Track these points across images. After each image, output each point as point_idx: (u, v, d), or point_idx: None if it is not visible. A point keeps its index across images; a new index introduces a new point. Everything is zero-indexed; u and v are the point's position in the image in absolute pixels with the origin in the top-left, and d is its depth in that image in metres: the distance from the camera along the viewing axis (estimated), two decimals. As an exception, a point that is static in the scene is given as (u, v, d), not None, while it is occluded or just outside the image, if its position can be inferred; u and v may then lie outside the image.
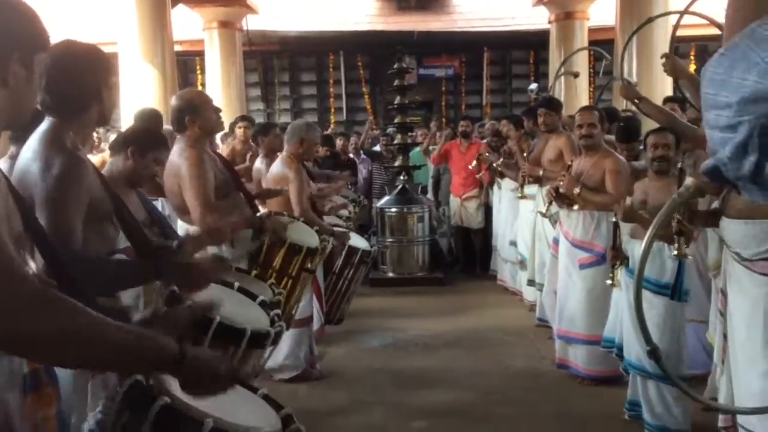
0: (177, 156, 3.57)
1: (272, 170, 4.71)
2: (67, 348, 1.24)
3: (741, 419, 2.65)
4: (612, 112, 6.14)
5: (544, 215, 4.81)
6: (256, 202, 4.16)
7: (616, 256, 3.91)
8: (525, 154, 6.13)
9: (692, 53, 14.51)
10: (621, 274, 3.89)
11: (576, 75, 8.95)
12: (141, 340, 1.34)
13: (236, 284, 2.69)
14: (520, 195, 6.23)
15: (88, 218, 2.08)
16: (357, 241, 4.86)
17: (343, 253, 4.59)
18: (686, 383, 3.66)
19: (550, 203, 4.24)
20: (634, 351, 3.75)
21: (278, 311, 2.55)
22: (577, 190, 4.49)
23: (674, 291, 3.63)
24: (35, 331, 1.19)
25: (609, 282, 4.03)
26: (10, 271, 1.18)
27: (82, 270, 1.73)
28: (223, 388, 1.45)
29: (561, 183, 4.18)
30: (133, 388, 1.43)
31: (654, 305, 3.67)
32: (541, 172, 5.74)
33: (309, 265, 3.87)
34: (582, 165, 4.63)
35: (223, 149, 6.92)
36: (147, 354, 1.35)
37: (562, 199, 4.54)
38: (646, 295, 3.69)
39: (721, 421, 2.81)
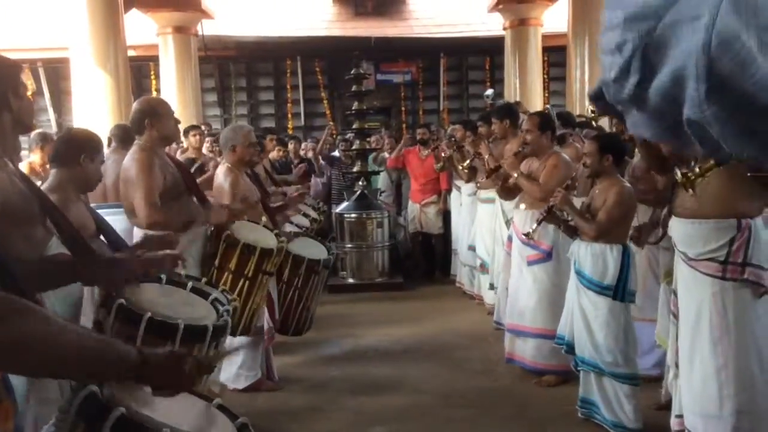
0: (128, 157, 3.65)
1: (215, 181, 4.65)
2: (26, 352, 1.24)
3: (687, 421, 2.70)
4: (567, 117, 6.28)
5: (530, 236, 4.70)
6: None
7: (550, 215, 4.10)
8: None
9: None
10: (571, 275, 3.96)
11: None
12: (102, 345, 1.37)
13: (190, 284, 2.66)
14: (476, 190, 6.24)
15: (10, 223, 2.05)
16: (306, 250, 4.67)
17: (289, 262, 4.51)
18: (639, 382, 3.77)
19: (539, 223, 4.29)
20: (587, 349, 3.82)
21: (228, 308, 2.52)
22: (515, 174, 4.80)
23: (616, 292, 3.72)
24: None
25: (530, 230, 4.24)
26: None
27: None
28: (192, 383, 1.49)
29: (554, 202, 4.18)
30: (87, 399, 1.41)
31: (598, 306, 3.78)
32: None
33: (266, 267, 3.86)
34: (532, 166, 4.86)
35: (179, 156, 6.86)
36: (108, 359, 1.36)
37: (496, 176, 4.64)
38: (590, 295, 3.79)
39: (675, 425, 2.85)
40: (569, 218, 4.05)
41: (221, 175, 4.50)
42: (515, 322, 4.83)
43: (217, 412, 1.76)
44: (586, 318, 3.83)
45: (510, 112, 6.20)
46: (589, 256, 3.81)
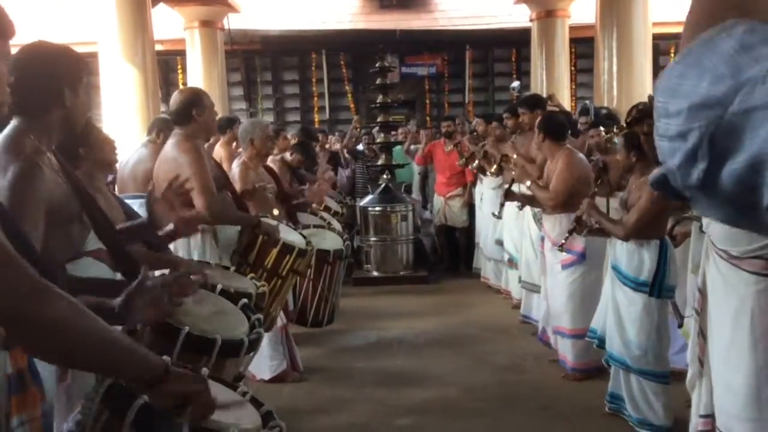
0: (173, 148, 3.52)
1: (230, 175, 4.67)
2: (50, 335, 1.25)
3: (720, 422, 2.64)
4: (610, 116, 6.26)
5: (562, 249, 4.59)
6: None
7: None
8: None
9: (672, 50, 14.63)
10: (609, 270, 3.92)
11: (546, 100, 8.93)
12: (131, 346, 1.38)
13: (219, 287, 2.68)
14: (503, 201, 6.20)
15: (50, 222, 2.05)
16: (317, 241, 4.49)
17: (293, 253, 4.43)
18: (668, 380, 3.72)
19: (570, 234, 4.31)
20: (616, 344, 3.79)
21: (259, 316, 2.52)
22: (528, 183, 4.89)
23: (653, 288, 3.66)
24: (36, 318, 1.21)
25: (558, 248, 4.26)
26: (9, 261, 1.21)
27: None
28: (202, 415, 1.43)
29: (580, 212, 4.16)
30: (112, 388, 1.43)
31: (633, 301, 3.72)
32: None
33: (298, 267, 3.86)
34: (549, 167, 4.87)
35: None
36: (132, 361, 1.37)
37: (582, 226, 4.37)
38: (626, 291, 3.73)
39: (700, 425, 2.78)
40: (597, 224, 4.02)
41: (235, 167, 4.58)
42: (556, 324, 4.83)
43: (242, 399, 1.78)
44: (618, 312, 3.79)
45: (539, 102, 6.16)
46: (625, 252, 3.76)
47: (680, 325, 3.86)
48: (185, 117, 3.54)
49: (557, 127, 4.81)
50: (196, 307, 2.51)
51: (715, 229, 2.65)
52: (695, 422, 2.80)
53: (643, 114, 4.59)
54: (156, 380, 1.37)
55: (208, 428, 1.41)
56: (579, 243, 4.56)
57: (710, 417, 2.73)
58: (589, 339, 4.11)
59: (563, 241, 4.28)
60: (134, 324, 2.05)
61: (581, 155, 4.85)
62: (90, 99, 2.36)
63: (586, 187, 4.47)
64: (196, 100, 3.58)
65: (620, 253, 3.80)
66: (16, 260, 1.23)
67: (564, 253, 4.59)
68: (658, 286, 3.67)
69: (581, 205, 4.00)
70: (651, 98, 6.45)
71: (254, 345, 2.41)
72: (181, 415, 1.39)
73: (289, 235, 3.94)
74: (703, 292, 2.72)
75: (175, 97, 3.66)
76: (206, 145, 5.87)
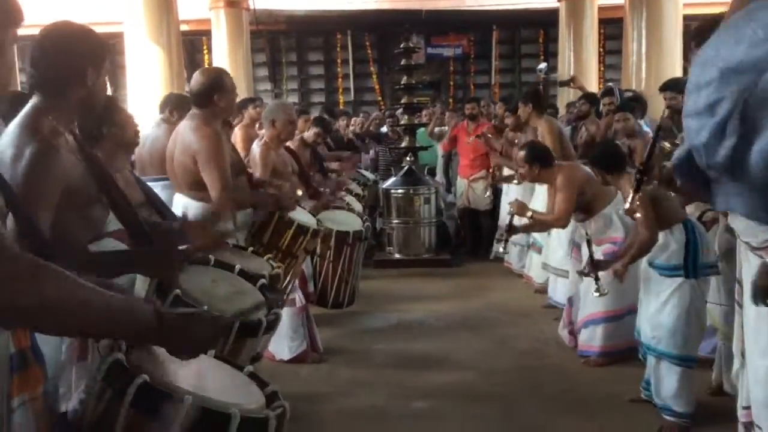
0: (190, 132, 3.45)
1: (250, 155, 4.68)
2: (51, 313, 1.26)
3: (754, 413, 2.59)
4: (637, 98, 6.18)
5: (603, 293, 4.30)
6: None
7: (595, 267, 3.98)
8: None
9: (705, 32, 14.31)
10: (644, 266, 3.86)
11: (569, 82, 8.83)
12: (123, 304, 1.40)
13: (237, 266, 2.68)
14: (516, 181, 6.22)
15: (68, 205, 2.04)
16: (337, 222, 4.59)
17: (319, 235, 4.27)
18: (694, 365, 3.66)
19: (597, 280, 4.23)
20: (646, 329, 3.74)
21: (276, 297, 2.53)
22: (529, 214, 4.88)
23: (687, 269, 3.61)
24: (32, 299, 1.22)
25: (596, 294, 4.05)
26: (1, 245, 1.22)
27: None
28: (207, 346, 1.54)
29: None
30: (112, 366, 1.44)
31: (668, 285, 3.66)
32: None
33: (310, 248, 3.89)
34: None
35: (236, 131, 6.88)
36: (127, 318, 1.39)
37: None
38: (663, 279, 3.68)
39: (742, 417, 2.73)
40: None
41: (255, 148, 4.58)
42: (586, 313, 4.68)
43: (247, 379, 1.77)
44: (650, 295, 3.74)
45: (535, 96, 6.22)
46: (654, 247, 3.72)
47: None
48: (205, 99, 3.46)
49: (541, 154, 4.86)
50: (215, 286, 2.52)
51: (737, 222, 2.58)
52: (739, 414, 2.77)
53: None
54: (152, 329, 1.40)
55: (211, 409, 1.41)
56: (616, 234, 4.54)
57: (749, 409, 2.69)
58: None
59: (595, 292, 4.15)
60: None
61: (572, 164, 4.89)
62: (113, 80, 2.37)
63: (593, 185, 4.50)
64: (218, 83, 3.48)
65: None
66: (4, 246, 1.23)
67: (603, 246, 4.52)
68: (692, 266, 3.61)
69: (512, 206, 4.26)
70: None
71: (272, 325, 2.41)
72: (189, 353, 1.47)
73: (301, 215, 3.94)
74: (741, 283, 2.66)
75: (196, 78, 3.56)
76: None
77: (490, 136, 7.42)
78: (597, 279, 4.01)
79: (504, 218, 5.93)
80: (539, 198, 6.34)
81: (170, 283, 2.24)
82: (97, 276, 2.10)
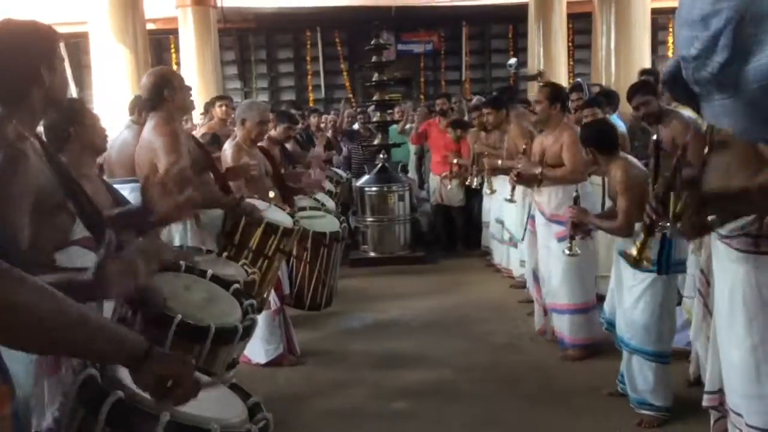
0: (150, 132, 3.47)
1: (222, 155, 4.62)
2: (17, 320, 1.20)
3: (729, 400, 2.62)
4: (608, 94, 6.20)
5: (510, 200, 4.83)
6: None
7: (574, 227, 4.01)
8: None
9: (670, 25, 14.48)
10: (615, 256, 3.86)
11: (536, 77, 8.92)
12: (109, 326, 1.33)
13: (209, 272, 2.62)
14: (509, 198, 6.16)
15: (37, 211, 1.97)
16: (313, 223, 4.53)
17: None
18: (669, 360, 3.68)
19: (513, 188, 4.32)
20: (620, 325, 3.75)
21: (252, 302, 2.47)
22: (537, 170, 4.73)
23: (660, 266, 3.61)
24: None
25: (567, 252, 4.12)
26: None
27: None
28: (186, 397, 1.39)
29: (519, 166, 4.17)
30: (85, 383, 1.38)
31: (640, 280, 3.65)
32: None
33: (284, 247, 3.83)
34: (544, 142, 4.83)
35: (201, 129, 6.80)
36: (112, 341, 1.32)
37: (526, 180, 4.47)
38: (635, 272, 3.68)
39: (706, 401, 2.78)
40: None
41: (226, 148, 4.52)
42: (552, 302, 4.79)
43: (227, 391, 1.72)
44: (622, 292, 3.74)
45: (503, 102, 6.28)
46: (628, 240, 3.71)
47: (677, 303, 3.83)
48: (158, 99, 3.49)
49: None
50: (188, 294, 2.45)
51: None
52: (705, 398, 2.81)
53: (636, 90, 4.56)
54: (137, 360, 1.33)
55: (188, 424, 1.36)
56: (576, 249, 4.55)
57: (716, 393, 2.73)
58: (602, 320, 4.07)
59: (567, 251, 4.19)
60: (111, 296, 1.97)
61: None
62: (78, 80, 2.28)
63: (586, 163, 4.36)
64: (164, 82, 3.51)
65: (624, 240, 3.75)
66: None
67: (558, 225, 4.56)
68: (665, 263, 3.62)
69: (571, 214, 3.98)
70: (642, 73, 6.36)
71: (248, 331, 2.36)
72: (163, 397, 1.35)
73: (275, 214, 3.88)
74: (704, 272, 2.68)
75: (144, 82, 3.61)
76: (188, 126, 5.82)
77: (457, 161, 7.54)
78: (573, 238, 4.07)
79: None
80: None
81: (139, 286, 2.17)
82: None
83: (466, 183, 7.17)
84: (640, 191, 3.60)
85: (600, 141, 3.85)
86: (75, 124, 2.89)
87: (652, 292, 3.62)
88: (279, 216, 3.92)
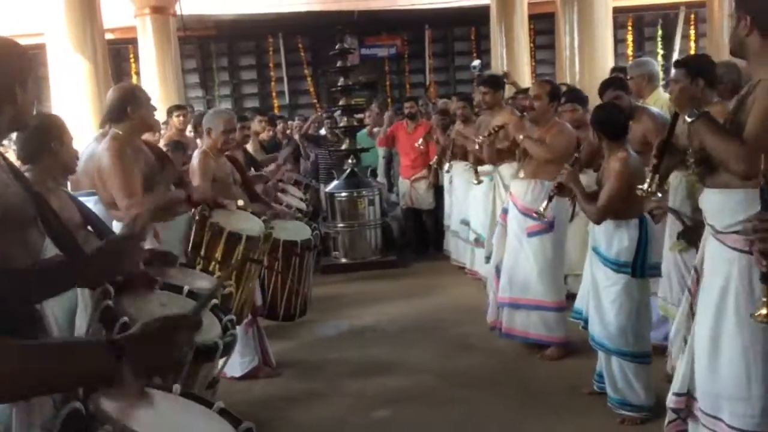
0: (100, 149, 3.48)
1: (190, 165, 4.54)
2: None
3: (704, 404, 2.58)
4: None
5: (542, 214, 4.26)
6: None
7: (558, 189, 3.95)
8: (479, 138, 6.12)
9: (629, 23, 14.71)
10: (589, 251, 3.84)
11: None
12: (67, 354, 1.23)
13: (185, 288, 2.54)
14: (476, 182, 6.08)
15: (7, 228, 1.88)
16: (284, 232, 4.36)
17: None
18: (649, 360, 3.67)
19: (550, 200, 4.13)
20: (596, 327, 3.73)
21: (232, 317, 2.39)
22: (521, 137, 4.67)
23: (635, 268, 3.59)
24: None
25: (542, 208, 4.09)
26: None
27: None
28: (181, 357, 1.38)
29: (561, 179, 3.95)
30: (69, 417, 1.28)
31: (614, 282, 3.64)
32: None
33: (253, 255, 3.74)
34: (532, 134, 4.75)
35: (161, 141, 6.68)
36: (80, 367, 1.24)
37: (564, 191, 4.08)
38: (607, 271, 3.67)
39: (672, 402, 2.73)
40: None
41: (194, 157, 4.44)
42: (515, 296, 4.72)
43: (218, 417, 1.64)
44: (598, 293, 3.71)
45: (501, 83, 6.09)
46: (603, 233, 3.67)
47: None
48: (120, 115, 3.49)
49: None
50: (164, 310, 2.37)
51: (705, 202, 2.58)
52: (669, 398, 2.76)
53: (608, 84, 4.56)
54: (112, 368, 1.24)
55: None
56: (548, 211, 4.51)
57: (684, 396, 2.69)
58: (574, 320, 4.06)
59: (542, 208, 4.15)
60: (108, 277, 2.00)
61: (569, 127, 4.77)
62: (39, 92, 2.19)
63: (568, 157, 4.22)
64: (130, 96, 3.52)
65: (599, 234, 3.72)
66: None
67: (531, 220, 4.53)
68: (640, 266, 3.60)
69: (562, 171, 3.86)
70: (614, 70, 6.41)
71: (229, 348, 2.29)
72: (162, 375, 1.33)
73: (243, 222, 3.80)
74: (699, 271, 2.64)
75: (109, 95, 3.61)
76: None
77: (433, 135, 7.45)
78: (550, 200, 4.04)
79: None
80: (477, 191, 6.37)
81: (116, 305, 2.09)
82: (41, 294, 1.95)
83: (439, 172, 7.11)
84: (630, 186, 3.50)
85: (610, 124, 3.65)
86: (55, 140, 2.83)
87: (627, 295, 3.61)
88: (246, 224, 3.83)
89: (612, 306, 3.63)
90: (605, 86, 4.56)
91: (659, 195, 3.08)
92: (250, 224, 3.85)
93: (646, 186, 2.50)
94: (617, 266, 3.62)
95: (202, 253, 3.64)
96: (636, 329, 3.61)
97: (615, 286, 3.62)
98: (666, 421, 2.84)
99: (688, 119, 2.48)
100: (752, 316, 2.14)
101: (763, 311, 2.05)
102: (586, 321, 3.89)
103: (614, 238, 3.63)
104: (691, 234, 3.58)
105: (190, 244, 3.68)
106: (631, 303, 3.60)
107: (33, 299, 1.87)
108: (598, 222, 3.69)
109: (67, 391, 1.34)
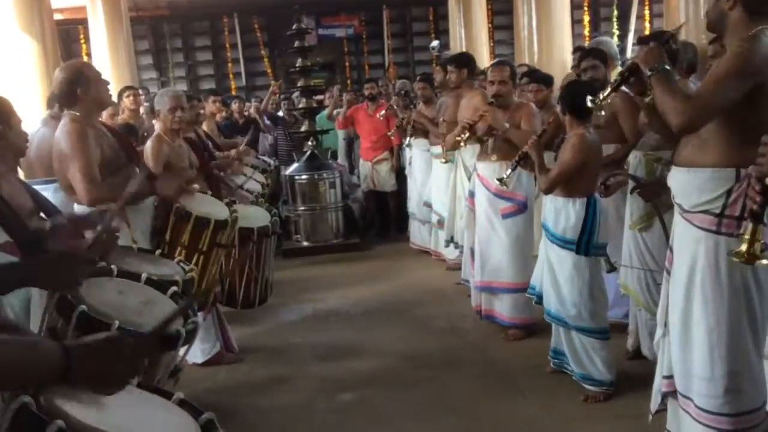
0: (59, 132, 3.35)
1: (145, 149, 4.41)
2: None
3: (679, 385, 2.60)
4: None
5: (504, 183, 4.27)
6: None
7: (521, 158, 4.04)
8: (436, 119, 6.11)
9: (586, 4, 14.81)
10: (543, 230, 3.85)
11: None
12: (18, 348, 1.20)
13: (144, 275, 2.46)
14: (444, 160, 6.03)
15: None
16: (241, 218, 4.15)
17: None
18: (608, 336, 3.71)
19: (514, 169, 4.14)
20: (553, 302, 3.76)
21: (190, 303, 2.33)
22: (506, 125, 4.54)
23: (579, 246, 3.62)
24: None
25: (502, 177, 4.17)
26: None
27: None
28: (132, 372, 1.35)
29: (527, 148, 3.94)
30: (19, 412, 1.22)
31: (563, 259, 3.69)
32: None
33: (221, 240, 3.66)
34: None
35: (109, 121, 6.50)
36: (26, 365, 1.20)
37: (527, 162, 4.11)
38: (555, 248, 3.70)
39: (663, 386, 2.74)
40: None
41: (148, 141, 4.34)
42: (488, 280, 4.70)
43: (178, 409, 1.59)
44: (552, 270, 3.75)
45: (468, 61, 5.88)
46: (552, 209, 3.72)
47: (609, 270, 3.83)
48: (71, 98, 3.36)
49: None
50: (123, 298, 2.30)
51: (673, 181, 2.58)
52: (659, 383, 2.76)
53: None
54: (60, 369, 1.21)
55: None
56: (521, 192, 4.53)
57: (671, 378, 2.70)
58: (529, 295, 4.08)
59: (504, 176, 4.16)
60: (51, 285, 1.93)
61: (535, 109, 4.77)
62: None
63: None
64: (77, 77, 3.36)
65: (548, 210, 3.76)
66: None
67: (504, 201, 4.53)
68: (585, 244, 3.63)
69: (530, 141, 3.88)
70: (576, 50, 6.42)
71: (191, 336, 2.24)
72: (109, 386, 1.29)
73: (208, 206, 3.71)
74: (672, 250, 2.65)
75: (56, 76, 3.44)
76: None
77: (395, 107, 7.41)
78: (513, 169, 4.12)
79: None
80: (439, 173, 6.35)
81: (73, 291, 2.01)
82: None
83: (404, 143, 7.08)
84: (585, 161, 3.59)
85: (578, 102, 3.54)
86: (3, 123, 2.70)
87: (578, 271, 3.65)
88: (211, 207, 3.74)
89: (566, 284, 3.68)
90: (585, 53, 4.60)
91: (602, 113, 3.25)
92: (216, 208, 3.76)
93: (743, 248, 2.08)
94: (563, 242, 3.66)
95: (167, 238, 3.53)
96: (590, 306, 3.65)
97: (566, 264, 3.66)
98: (654, 408, 2.82)
99: (648, 72, 2.48)
100: (729, 254, 2.07)
101: (743, 248, 1.97)
102: (539, 296, 3.93)
103: (561, 215, 3.67)
104: (646, 190, 3.64)
105: (152, 230, 3.57)
106: (582, 281, 3.64)
107: None
108: (546, 191, 3.74)
109: (11, 389, 1.28)
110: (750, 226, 1.96)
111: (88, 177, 3.26)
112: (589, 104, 2.84)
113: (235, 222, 3.78)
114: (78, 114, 3.38)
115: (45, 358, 1.20)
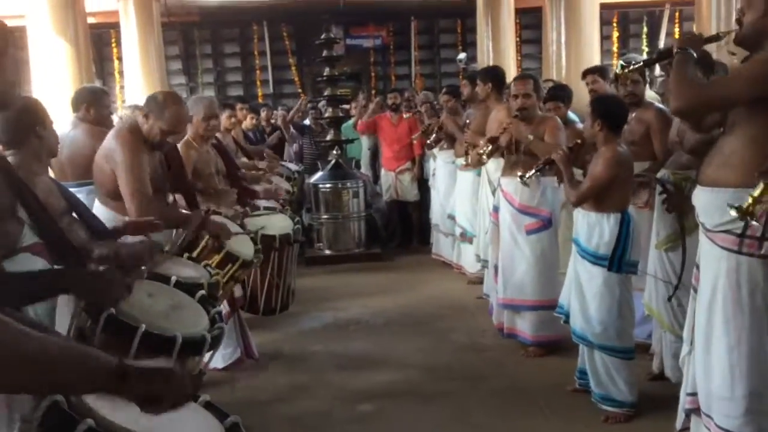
0: (112, 139, 3.37)
1: None
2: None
3: (701, 402, 2.58)
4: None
5: (524, 182, 4.29)
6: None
7: (546, 163, 4.06)
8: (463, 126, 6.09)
9: (614, 20, 14.76)
10: (573, 247, 3.82)
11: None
12: (75, 354, 1.19)
13: (173, 278, 2.49)
14: (465, 163, 6.02)
15: None
16: (264, 225, 4.28)
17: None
18: (633, 356, 3.68)
19: (537, 171, 4.15)
20: (578, 320, 3.73)
21: (220, 310, 2.36)
22: (530, 137, 4.48)
23: (612, 263, 3.59)
24: None
25: (523, 177, 4.16)
26: None
27: None
28: (184, 399, 1.32)
29: (555, 157, 3.90)
30: (50, 410, 1.24)
31: (593, 275, 3.65)
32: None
33: (238, 275, 3.64)
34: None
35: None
36: (83, 370, 1.19)
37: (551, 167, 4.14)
38: (586, 264, 3.67)
39: (687, 403, 2.72)
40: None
41: (178, 148, 4.35)
42: (512, 297, 4.66)
43: (203, 411, 1.61)
44: (580, 287, 3.71)
45: (495, 75, 5.83)
46: (585, 224, 3.68)
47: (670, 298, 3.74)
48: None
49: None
50: (151, 301, 2.32)
51: (697, 200, 2.57)
52: (683, 400, 2.75)
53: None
54: (111, 384, 1.20)
55: None
56: (546, 207, 4.51)
57: (695, 395, 2.69)
58: (557, 314, 4.04)
59: (528, 175, 4.13)
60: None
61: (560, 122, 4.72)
62: (18, 73, 2.09)
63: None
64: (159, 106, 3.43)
65: (581, 225, 3.73)
66: None
67: (529, 217, 4.51)
68: (618, 261, 3.60)
69: (558, 151, 3.85)
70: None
71: (216, 341, 2.26)
72: (156, 410, 1.25)
73: (238, 244, 3.64)
74: (699, 267, 2.64)
75: (153, 98, 3.54)
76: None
77: (422, 111, 7.44)
78: (537, 171, 4.11)
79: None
80: (463, 186, 6.34)
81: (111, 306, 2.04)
82: (24, 301, 1.89)
83: (428, 142, 7.09)
84: (616, 174, 3.56)
85: (612, 115, 3.61)
86: (40, 125, 2.75)
87: (609, 288, 3.60)
88: (241, 246, 3.67)
89: (594, 300, 3.64)
90: (589, 70, 4.63)
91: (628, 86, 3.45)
92: (246, 248, 3.69)
93: (745, 205, 2.11)
94: (595, 258, 3.62)
95: (195, 255, 3.51)
96: (617, 325, 3.61)
97: (596, 280, 3.62)
98: (678, 425, 2.81)
99: (676, 49, 2.49)
100: (730, 206, 2.17)
101: (744, 204, 2.09)
102: (567, 315, 3.89)
103: (595, 230, 3.63)
104: (671, 198, 3.61)
105: (183, 241, 3.55)
106: (612, 298, 3.60)
107: (18, 304, 1.82)
108: (575, 204, 3.72)
109: (56, 393, 1.29)
110: (761, 186, 2.06)
111: (139, 194, 3.28)
112: (618, 70, 2.88)
113: (258, 263, 3.79)
114: (136, 125, 3.43)
115: (99, 370, 1.19)
